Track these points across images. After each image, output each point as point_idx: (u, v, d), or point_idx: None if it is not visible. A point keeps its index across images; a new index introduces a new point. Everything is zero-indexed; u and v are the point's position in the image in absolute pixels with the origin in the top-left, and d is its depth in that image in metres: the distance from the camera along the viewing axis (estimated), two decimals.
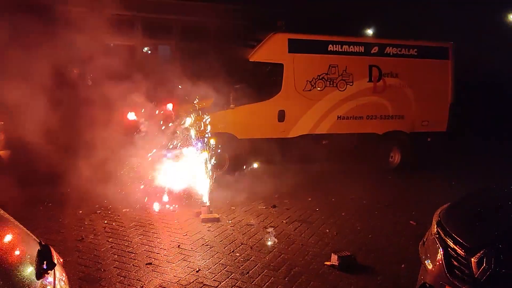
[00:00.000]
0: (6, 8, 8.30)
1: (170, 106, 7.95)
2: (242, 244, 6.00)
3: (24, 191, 7.66)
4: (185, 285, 4.84)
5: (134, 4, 13.21)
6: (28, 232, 2.90)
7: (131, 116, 7.92)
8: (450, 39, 11.02)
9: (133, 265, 5.24)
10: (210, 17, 14.12)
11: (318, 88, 9.73)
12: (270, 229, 6.54)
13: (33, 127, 8.23)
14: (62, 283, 2.82)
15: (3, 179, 7.93)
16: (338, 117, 9.95)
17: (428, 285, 3.81)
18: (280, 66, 9.47)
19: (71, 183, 7.59)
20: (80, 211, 6.92)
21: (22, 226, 2.87)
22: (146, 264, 5.27)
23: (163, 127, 7.73)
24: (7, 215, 2.81)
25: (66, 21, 8.36)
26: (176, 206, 7.33)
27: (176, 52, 14.39)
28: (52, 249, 2.84)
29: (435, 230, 4.00)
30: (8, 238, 2.67)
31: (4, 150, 8.15)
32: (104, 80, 8.04)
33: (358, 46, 10.03)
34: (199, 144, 7.26)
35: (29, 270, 2.53)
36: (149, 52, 14.92)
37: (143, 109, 7.85)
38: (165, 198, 7.38)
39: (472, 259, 3.41)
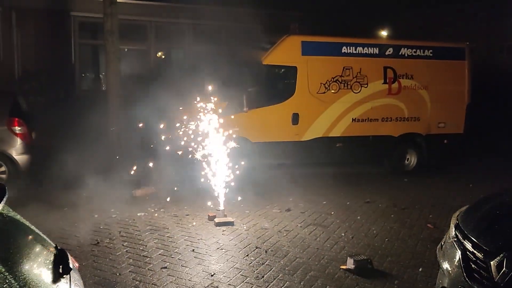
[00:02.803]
0: None
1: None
2: (256, 248, 5.97)
3: (40, 195, 7.76)
4: None
5: (147, 9, 13.34)
6: (44, 236, 2.91)
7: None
8: (465, 40, 10.91)
9: (148, 269, 5.24)
10: (223, 20, 14.17)
11: (332, 91, 9.68)
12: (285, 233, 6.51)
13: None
14: (78, 287, 2.83)
15: (20, 184, 8.06)
16: (352, 119, 9.88)
17: None
18: (294, 69, 9.44)
19: (87, 188, 7.66)
20: (96, 215, 6.97)
21: (38, 231, 2.89)
22: (161, 268, 5.27)
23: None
24: (23, 219, 2.83)
25: None
26: (191, 210, 7.34)
27: (189, 55, 14.46)
28: (68, 254, 2.85)
29: (453, 233, 3.93)
30: (24, 242, 2.69)
31: (22, 155, 8.23)
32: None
33: (372, 48, 9.96)
34: (215, 147, 7.23)
35: (45, 275, 2.54)
36: (163, 56, 15.03)
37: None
38: (180, 202, 7.40)
39: (492, 263, 3.34)
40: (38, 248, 2.71)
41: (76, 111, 10.55)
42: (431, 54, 10.33)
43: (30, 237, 2.76)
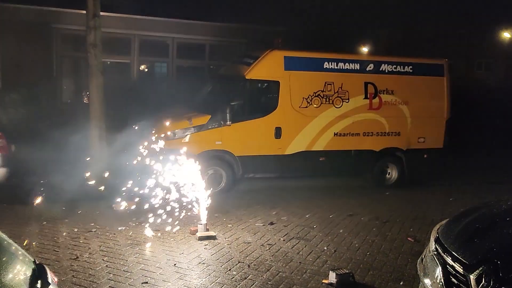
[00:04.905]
0: None
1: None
2: (239, 262, 5.94)
3: (18, 209, 7.62)
4: None
5: (131, 22, 13.35)
6: (23, 250, 2.86)
7: None
8: (444, 56, 11.15)
9: (128, 284, 5.17)
10: (207, 35, 14.25)
11: (314, 105, 9.77)
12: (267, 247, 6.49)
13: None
14: None
15: None
16: (334, 133, 9.97)
17: None
18: (276, 83, 9.52)
19: (66, 201, 7.56)
20: (75, 229, 6.86)
21: (16, 245, 2.84)
22: (142, 283, 5.20)
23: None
24: (1, 233, 2.78)
25: None
26: (173, 224, 7.27)
27: (173, 69, 14.48)
28: (47, 268, 2.80)
29: (433, 247, 3.97)
30: (2, 257, 2.64)
31: (0, 168, 8.07)
32: None
33: (353, 64, 10.10)
34: (196, 161, 7.20)
35: None
36: (146, 70, 15.02)
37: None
38: (161, 216, 7.32)
39: (471, 276, 3.38)
40: (16, 263, 2.66)
41: (57, 123, 10.43)
42: (411, 70, 10.52)
43: (8, 251, 2.71)
